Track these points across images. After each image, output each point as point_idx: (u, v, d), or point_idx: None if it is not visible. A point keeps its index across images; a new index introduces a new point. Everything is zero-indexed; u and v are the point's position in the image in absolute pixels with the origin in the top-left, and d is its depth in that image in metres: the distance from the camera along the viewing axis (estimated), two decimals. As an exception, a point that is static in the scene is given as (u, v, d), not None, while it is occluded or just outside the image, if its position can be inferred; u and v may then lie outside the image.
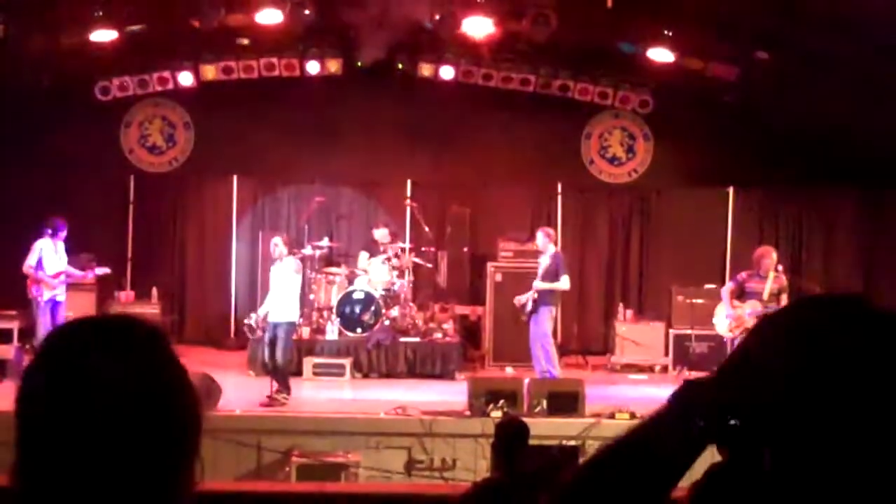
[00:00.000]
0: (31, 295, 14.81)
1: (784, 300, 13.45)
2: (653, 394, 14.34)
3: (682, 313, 16.79)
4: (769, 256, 13.78)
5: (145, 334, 1.80)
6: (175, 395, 1.77)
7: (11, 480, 1.72)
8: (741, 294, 13.70)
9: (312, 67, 17.51)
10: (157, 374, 1.76)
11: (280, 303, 13.63)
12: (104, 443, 1.68)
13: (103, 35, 15.79)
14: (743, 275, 13.83)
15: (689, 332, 16.41)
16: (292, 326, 14.06)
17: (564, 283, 14.51)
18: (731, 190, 18.44)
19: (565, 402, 12.50)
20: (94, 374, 1.71)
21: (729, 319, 13.62)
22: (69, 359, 1.74)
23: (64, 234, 14.98)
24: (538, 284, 14.47)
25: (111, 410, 1.69)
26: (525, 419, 10.87)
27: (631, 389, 15.00)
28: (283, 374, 13.37)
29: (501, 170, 18.47)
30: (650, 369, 16.83)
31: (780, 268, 13.87)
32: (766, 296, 13.49)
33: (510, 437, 7.57)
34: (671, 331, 16.89)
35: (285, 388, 13.25)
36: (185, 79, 17.61)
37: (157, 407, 1.73)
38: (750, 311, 13.46)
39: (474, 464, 11.40)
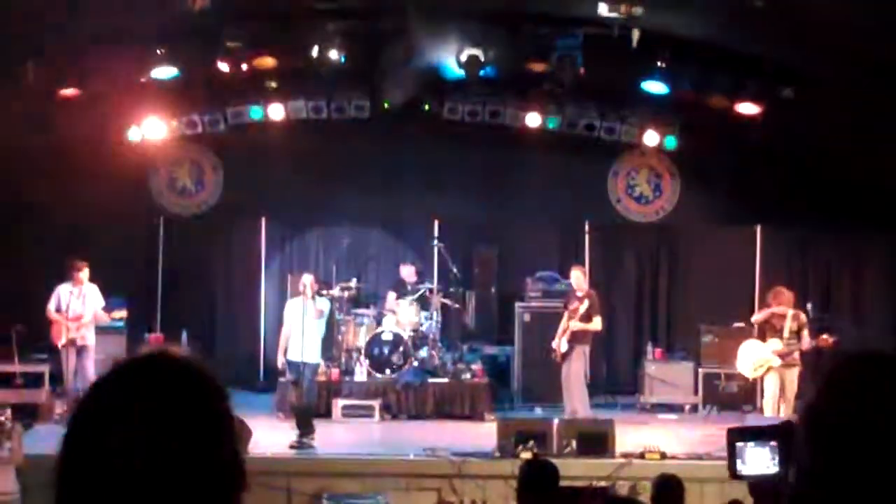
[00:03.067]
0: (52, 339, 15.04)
1: (805, 337, 13.45)
2: (682, 434, 14.33)
3: (710, 352, 16.74)
4: (784, 293, 13.83)
5: (195, 381, 1.80)
6: (221, 446, 1.77)
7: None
8: (762, 332, 13.75)
9: (339, 110, 17.60)
10: (205, 424, 1.76)
11: (306, 343, 13.62)
12: (147, 493, 1.69)
13: (134, 80, 15.99)
14: (762, 314, 13.88)
15: (717, 370, 16.36)
16: (317, 368, 14.13)
17: (597, 324, 14.55)
18: (758, 228, 18.38)
19: (595, 442, 12.49)
20: (138, 425, 1.71)
21: (751, 363, 13.66)
22: (113, 406, 1.74)
23: (81, 276, 15.09)
24: (573, 325, 14.51)
25: (155, 460, 1.70)
26: (555, 460, 10.91)
27: (661, 429, 14.95)
28: (308, 415, 13.36)
29: (528, 209, 18.51)
30: (680, 408, 16.76)
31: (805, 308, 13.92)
32: (786, 333, 13.50)
33: (535, 478, 7.54)
34: (700, 370, 16.83)
35: (310, 429, 13.21)
36: (215, 123, 17.73)
37: (202, 458, 1.73)
38: (772, 350, 13.49)
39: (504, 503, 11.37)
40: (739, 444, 6.39)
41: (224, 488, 1.76)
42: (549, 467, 7.72)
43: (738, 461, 6.40)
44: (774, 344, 13.55)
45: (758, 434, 6.72)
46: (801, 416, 1.71)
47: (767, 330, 13.78)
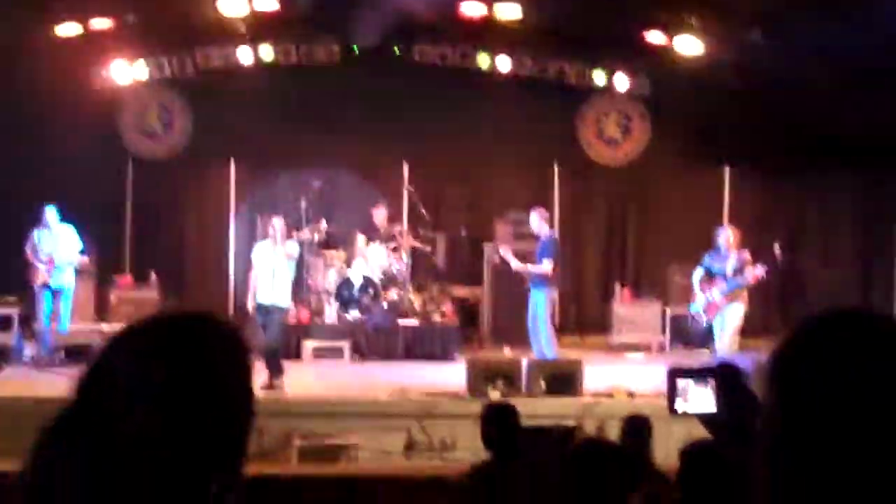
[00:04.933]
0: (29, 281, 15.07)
1: (748, 273, 13.56)
2: (650, 373, 14.45)
3: (679, 292, 16.86)
4: (724, 234, 13.95)
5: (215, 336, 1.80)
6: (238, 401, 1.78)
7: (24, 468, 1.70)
8: (710, 276, 13.85)
9: (308, 53, 17.55)
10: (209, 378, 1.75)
11: (275, 287, 13.58)
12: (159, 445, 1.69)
13: (100, 23, 15.89)
14: (706, 258, 13.95)
15: (684, 310, 16.49)
16: (286, 312, 14.14)
17: (544, 266, 14.28)
18: (726, 169, 18.47)
19: (564, 382, 12.57)
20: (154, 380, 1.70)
21: (703, 305, 13.80)
22: (130, 358, 1.74)
23: (49, 218, 15.08)
24: (516, 265, 14.45)
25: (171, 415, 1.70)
26: (523, 399, 11.02)
27: (629, 368, 15.10)
28: (277, 358, 13.31)
29: (498, 152, 18.51)
30: (647, 348, 16.91)
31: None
32: (729, 272, 13.65)
33: (499, 420, 7.62)
34: (668, 310, 16.98)
35: (280, 371, 13.17)
36: (184, 66, 17.65)
37: (218, 417, 1.73)
38: (720, 291, 13.63)
39: (474, 444, 11.44)
40: (680, 383, 6.50)
41: (240, 432, 1.77)
42: (509, 409, 7.80)
43: (679, 399, 6.52)
44: (720, 286, 13.69)
45: (697, 374, 6.83)
46: (769, 361, 1.75)
47: (713, 273, 13.89)
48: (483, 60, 17.82)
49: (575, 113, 18.94)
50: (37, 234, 15.16)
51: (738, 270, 13.67)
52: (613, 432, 9.43)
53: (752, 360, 12.34)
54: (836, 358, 1.64)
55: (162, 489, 1.67)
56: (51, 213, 15.17)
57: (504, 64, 17.64)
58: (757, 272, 13.57)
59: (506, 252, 14.76)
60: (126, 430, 1.66)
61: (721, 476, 5.32)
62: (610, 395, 12.29)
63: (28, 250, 15.08)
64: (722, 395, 6.85)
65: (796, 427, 1.64)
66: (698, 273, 13.98)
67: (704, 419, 6.30)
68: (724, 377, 7.38)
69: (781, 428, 1.66)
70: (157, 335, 1.76)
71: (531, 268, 14.33)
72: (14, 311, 15.66)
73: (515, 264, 14.50)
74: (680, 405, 6.79)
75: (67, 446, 1.68)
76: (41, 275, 14.97)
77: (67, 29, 16.24)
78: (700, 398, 6.72)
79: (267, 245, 13.89)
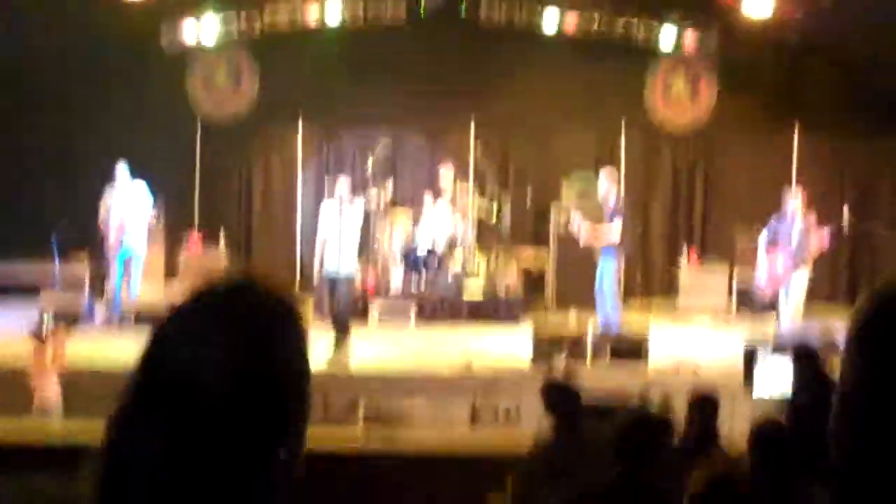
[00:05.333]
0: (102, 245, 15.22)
1: (814, 238, 13.39)
2: (717, 340, 14.40)
3: (746, 256, 16.70)
4: (791, 197, 13.76)
5: (276, 310, 1.82)
6: (294, 373, 1.80)
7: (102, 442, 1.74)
8: (776, 241, 13.68)
9: (375, 13, 17.53)
10: (284, 351, 1.79)
11: (343, 251, 13.50)
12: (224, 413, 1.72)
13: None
14: (772, 222, 13.77)
15: (751, 276, 16.36)
16: (353, 279, 14.07)
17: (614, 230, 14.10)
18: (796, 130, 18.21)
19: (629, 351, 12.55)
20: (221, 350, 1.72)
21: (767, 272, 13.66)
22: (195, 330, 1.76)
23: (121, 176, 15.17)
24: (585, 228, 14.28)
25: (234, 380, 1.72)
26: (588, 368, 11.02)
27: (695, 336, 15.03)
28: (344, 325, 13.27)
29: (564, 112, 18.40)
30: (714, 312, 16.80)
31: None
32: (795, 236, 13.48)
33: (559, 401, 7.61)
34: (735, 273, 16.86)
35: (346, 339, 13.09)
36: (252, 25, 17.69)
37: (278, 383, 1.76)
38: (785, 257, 13.47)
39: (539, 412, 11.47)
40: (757, 367, 6.48)
41: (297, 411, 1.80)
42: (569, 390, 7.79)
43: (756, 382, 6.49)
44: (785, 249, 13.54)
45: (774, 355, 6.78)
46: (852, 330, 1.73)
47: (777, 238, 13.74)
48: (550, 19, 17.67)
49: (642, 73, 18.74)
50: (109, 194, 15.23)
51: (805, 235, 13.52)
52: (679, 407, 9.40)
53: (819, 330, 12.30)
54: None
55: (232, 458, 1.71)
56: (122, 169, 15.26)
57: (571, 23, 17.49)
58: (823, 237, 13.41)
59: (578, 220, 14.50)
60: (194, 404, 1.70)
61: (791, 456, 5.30)
62: (675, 372, 12.22)
63: (101, 212, 15.15)
64: (799, 379, 6.80)
65: (883, 397, 1.63)
66: (763, 237, 13.85)
67: (780, 401, 6.25)
68: (801, 360, 7.31)
69: (866, 398, 1.66)
70: (214, 310, 1.79)
71: (604, 233, 14.05)
72: (85, 271, 15.86)
73: (585, 236, 14.32)
74: (757, 389, 6.75)
75: (141, 420, 1.72)
76: (114, 238, 15.08)
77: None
78: (777, 381, 6.67)
79: (333, 204, 13.78)
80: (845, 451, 1.68)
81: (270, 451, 1.75)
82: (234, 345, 1.73)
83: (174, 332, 1.77)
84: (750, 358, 5.88)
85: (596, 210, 14.45)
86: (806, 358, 7.56)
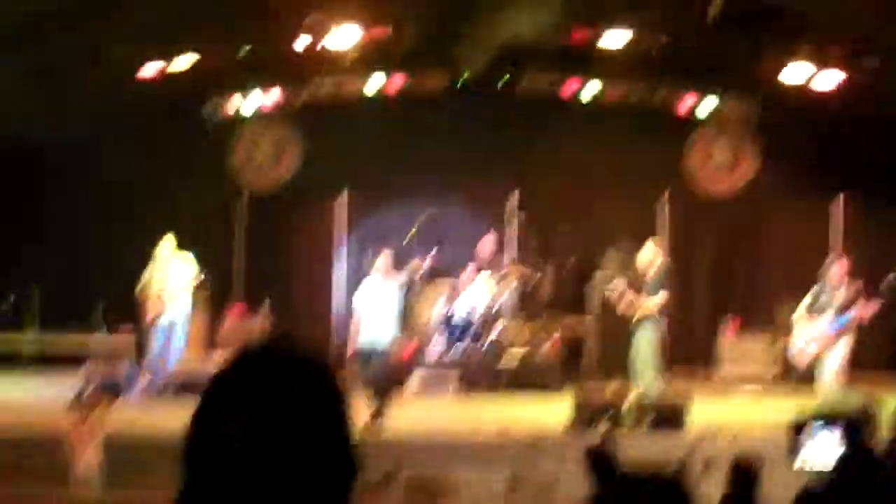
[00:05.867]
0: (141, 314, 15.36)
1: (857, 308, 13.29)
2: (759, 409, 14.25)
3: (789, 326, 16.56)
4: (835, 266, 13.65)
5: (317, 374, 1.84)
6: (341, 439, 1.81)
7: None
8: (818, 309, 13.56)
9: (417, 83, 17.68)
10: (326, 416, 1.80)
11: (383, 324, 13.56)
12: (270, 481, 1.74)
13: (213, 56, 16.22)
14: (815, 289, 13.67)
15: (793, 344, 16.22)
16: (391, 347, 14.10)
17: (657, 299, 14.19)
18: (839, 200, 18.12)
19: (669, 419, 12.47)
20: (264, 414, 1.75)
21: (806, 340, 13.54)
22: (238, 393, 1.79)
23: (166, 250, 15.32)
24: (627, 301, 14.34)
25: (279, 447, 1.74)
26: (627, 437, 10.93)
27: (736, 405, 14.90)
28: (384, 393, 13.24)
29: (607, 181, 18.46)
30: (758, 381, 16.66)
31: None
32: (838, 306, 13.37)
33: (597, 464, 7.57)
34: (779, 342, 16.70)
35: (386, 407, 13.06)
36: (295, 98, 17.88)
37: (324, 448, 1.78)
38: (828, 326, 13.35)
39: (578, 482, 11.39)
40: (801, 438, 6.43)
41: (342, 478, 1.81)
42: (608, 455, 7.74)
43: (799, 453, 6.44)
44: (827, 318, 13.42)
45: (820, 428, 6.71)
46: None
47: (820, 304, 13.62)
48: (592, 88, 17.75)
49: (684, 142, 18.78)
50: (151, 267, 15.39)
51: (848, 305, 13.41)
52: (720, 473, 9.31)
53: (863, 400, 12.16)
54: None
55: None
56: (167, 241, 15.42)
57: (613, 92, 17.58)
58: (868, 309, 13.29)
59: (621, 289, 14.51)
60: (242, 472, 1.72)
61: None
62: (715, 437, 12.11)
63: (142, 283, 15.32)
64: (845, 453, 6.72)
65: None
66: (804, 305, 13.75)
67: (824, 473, 6.19)
68: (848, 432, 7.25)
69: None
70: (256, 377, 1.80)
71: (645, 301, 14.11)
72: (129, 342, 16.01)
73: (624, 305, 14.34)
74: (801, 460, 6.69)
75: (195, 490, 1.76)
76: (154, 308, 15.21)
77: (182, 62, 16.54)
78: (822, 454, 6.61)
79: (375, 280, 13.87)
80: None
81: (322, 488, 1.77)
82: (277, 411, 1.76)
83: (218, 401, 1.80)
84: (796, 428, 5.84)
85: (637, 280, 14.48)
86: (852, 430, 7.51)
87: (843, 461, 6.19)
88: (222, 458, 1.74)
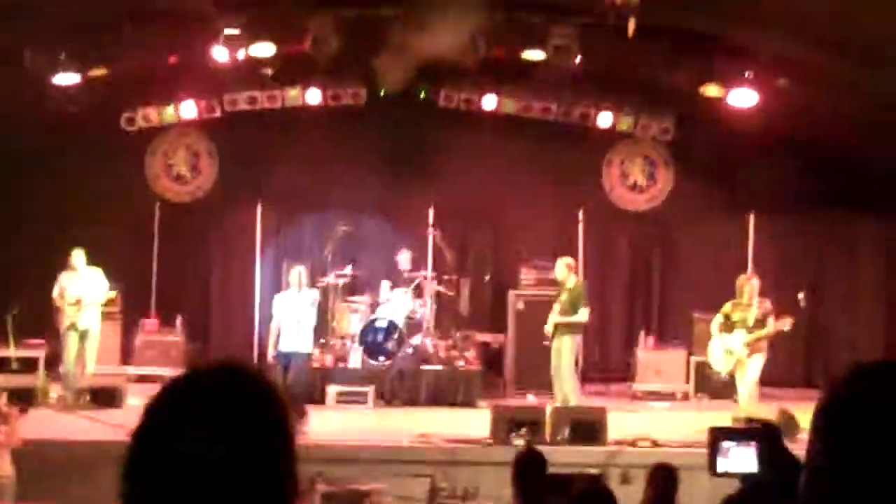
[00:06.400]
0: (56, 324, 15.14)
1: (770, 324, 13.51)
2: (674, 422, 14.40)
3: (703, 340, 16.76)
4: (749, 283, 13.88)
5: (265, 393, 1.85)
6: (286, 458, 1.83)
7: None
8: (729, 326, 13.76)
9: (335, 97, 17.64)
10: (274, 435, 1.82)
11: (298, 334, 13.73)
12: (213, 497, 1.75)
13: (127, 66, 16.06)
14: (727, 305, 13.87)
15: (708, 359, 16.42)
16: (309, 357, 14.22)
17: (582, 315, 14.60)
18: (751, 216, 18.37)
19: (588, 430, 12.54)
20: (211, 430, 1.77)
21: (722, 355, 13.74)
22: (187, 410, 1.80)
23: (74, 262, 15.15)
24: (555, 318, 14.60)
25: (225, 465, 1.75)
26: (547, 447, 10.97)
27: (653, 417, 15.05)
28: (299, 402, 13.25)
29: (523, 197, 18.56)
30: (672, 396, 16.84)
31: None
32: (751, 322, 13.58)
33: (527, 467, 7.63)
34: (692, 358, 16.89)
35: (303, 415, 13.05)
36: (210, 109, 17.74)
37: (269, 467, 1.79)
38: (739, 341, 13.55)
39: (498, 492, 11.42)
40: (722, 444, 6.52)
41: (285, 497, 1.82)
42: (538, 457, 7.80)
43: (720, 459, 6.54)
44: (740, 335, 13.61)
45: (739, 435, 6.83)
46: (816, 417, 1.79)
47: (732, 321, 13.82)
48: (508, 104, 17.83)
49: (600, 158, 18.97)
50: (64, 277, 15.21)
51: (761, 321, 13.62)
52: (638, 482, 9.39)
53: (777, 412, 12.35)
54: (887, 408, 1.69)
55: None
56: (78, 256, 15.24)
57: (529, 108, 17.68)
58: (784, 326, 13.50)
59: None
60: (192, 484, 1.73)
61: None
62: (634, 444, 12.23)
63: (55, 292, 15.13)
64: (765, 456, 6.82)
65: (849, 477, 1.67)
66: (717, 321, 13.93)
67: (745, 479, 6.29)
68: (768, 438, 7.35)
69: (832, 479, 1.70)
70: (208, 393, 1.81)
71: (570, 318, 14.45)
72: (40, 353, 15.77)
73: (553, 321, 14.59)
74: (721, 465, 6.79)
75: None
76: (68, 316, 15.02)
77: (97, 71, 16.35)
78: (741, 458, 6.71)
79: (289, 294, 14.06)
80: None
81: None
82: (230, 425, 1.77)
83: (169, 414, 1.80)
84: (715, 435, 5.91)
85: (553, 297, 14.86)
86: (769, 436, 7.62)
87: (765, 465, 6.28)
88: (166, 474, 1.74)
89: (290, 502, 1.82)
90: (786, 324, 13.51)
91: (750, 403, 13.48)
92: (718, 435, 7.06)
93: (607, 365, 18.40)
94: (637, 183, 19.07)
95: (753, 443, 7.29)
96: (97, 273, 15.35)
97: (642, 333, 17.74)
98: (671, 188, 18.95)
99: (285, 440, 1.83)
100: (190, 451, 1.74)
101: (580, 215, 18.55)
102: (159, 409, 1.81)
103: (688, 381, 16.92)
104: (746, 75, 15.78)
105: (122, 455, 1.79)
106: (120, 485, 1.77)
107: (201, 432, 1.75)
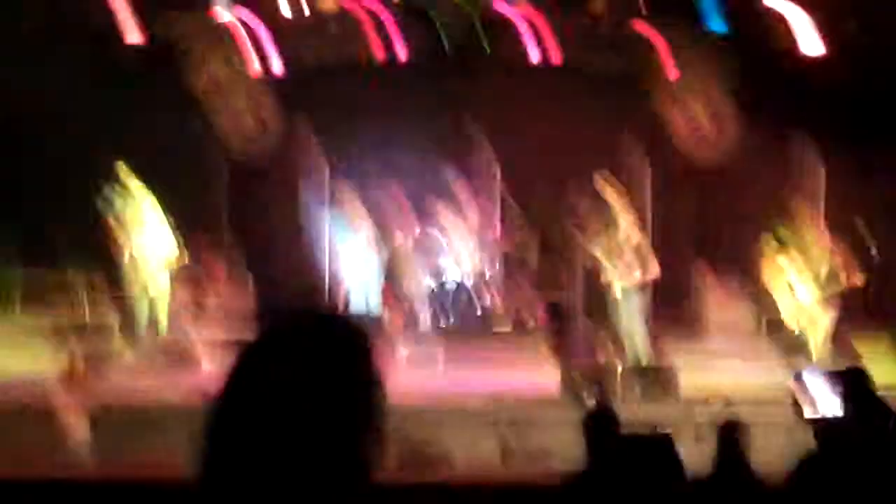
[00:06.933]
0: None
1: (842, 279, 13.33)
2: (746, 377, 14.28)
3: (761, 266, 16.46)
4: (818, 235, 13.72)
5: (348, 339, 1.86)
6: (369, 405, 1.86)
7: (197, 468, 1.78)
8: (801, 279, 13.61)
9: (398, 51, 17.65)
10: (356, 382, 1.84)
11: (367, 294, 13.67)
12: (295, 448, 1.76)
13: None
14: (799, 260, 13.69)
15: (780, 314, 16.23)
16: (378, 319, 14.23)
17: (652, 270, 14.41)
18: (822, 168, 18.02)
19: (660, 387, 12.50)
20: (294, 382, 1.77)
21: (794, 311, 13.63)
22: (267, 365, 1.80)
23: (148, 220, 15.28)
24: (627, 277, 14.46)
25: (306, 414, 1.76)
26: (618, 405, 10.94)
27: (724, 374, 14.93)
28: None
29: (589, 150, 18.30)
30: (743, 351, 16.65)
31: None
32: (823, 276, 13.44)
33: (598, 426, 7.59)
34: (764, 313, 16.67)
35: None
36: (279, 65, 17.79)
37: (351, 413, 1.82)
38: (810, 297, 13.40)
39: (569, 452, 11.40)
40: (807, 389, 6.45)
41: (369, 446, 1.85)
42: (609, 416, 7.76)
43: (805, 405, 6.47)
44: (810, 290, 13.46)
45: (825, 378, 6.74)
46: None
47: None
48: (572, 56, 17.72)
49: (664, 108, 18.69)
50: (135, 236, 15.30)
51: (833, 274, 13.46)
52: (712, 440, 9.34)
53: (851, 358, 12.21)
54: None
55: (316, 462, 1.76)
56: (150, 211, 15.32)
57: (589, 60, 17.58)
58: (856, 280, 13.35)
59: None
60: (286, 422, 1.75)
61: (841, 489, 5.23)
62: (706, 401, 12.15)
63: (126, 256, 15.23)
64: (850, 402, 6.72)
65: None
66: (787, 274, 13.79)
67: (829, 426, 6.22)
68: (853, 383, 7.27)
69: None
70: (306, 344, 1.82)
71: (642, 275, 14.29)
72: (115, 317, 15.94)
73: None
74: (808, 411, 6.72)
75: (221, 449, 1.77)
76: (138, 280, 15.14)
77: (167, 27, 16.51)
78: (827, 404, 6.63)
79: (358, 252, 13.98)
80: None
81: (354, 452, 1.81)
82: (326, 366, 1.79)
83: (265, 356, 1.81)
84: (801, 382, 5.86)
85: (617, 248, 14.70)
86: (859, 380, 7.53)
87: (854, 409, 6.18)
88: (254, 421, 1.75)
89: (369, 455, 1.85)
90: (858, 279, 13.36)
91: (823, 358, 13.36)
92: (804, 381, 7.00)
93: (678, 319, 18.25)
94: (703, 133, 18.77)
95: (839, 388, 7.19)
96: (167, 231, 15.42)
97: (711, 288, 17.51)
98: (737, 137, 18.62)
99: (370, 388, 1.86)
100: (265, 397, 1.75)
101: (647, 167, 18.30)
102: (247, 358, 1.82)
103: (759, 336, 16.72)
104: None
105: (200, 415, 1.81)
106: (201, 444, 1.78)
107: (284, 372, 1.77)
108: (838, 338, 13.82)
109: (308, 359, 1.79)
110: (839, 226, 15.25)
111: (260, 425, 1.74)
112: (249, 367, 1.81)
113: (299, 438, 1.74)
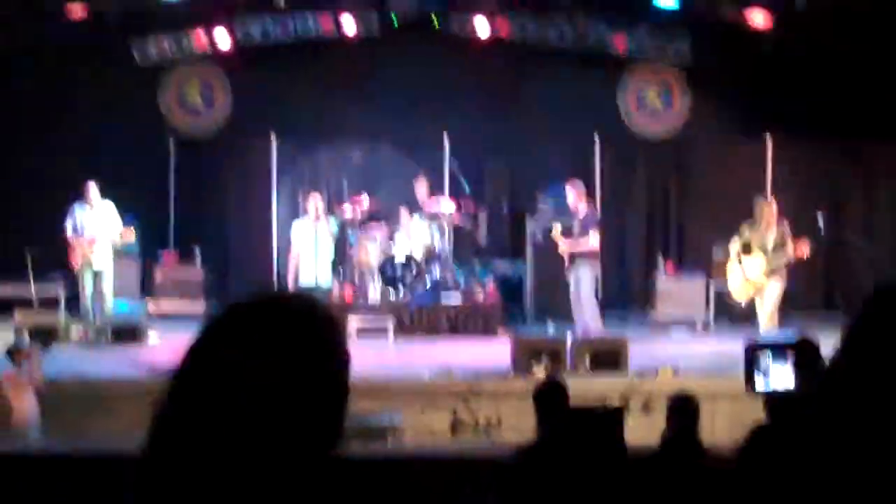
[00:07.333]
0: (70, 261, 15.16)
1: (789, 249, 13.48)
2: (695, 350, 14.39)
3: (722, 267, 16.67)
4: (767, 207, 13.85)
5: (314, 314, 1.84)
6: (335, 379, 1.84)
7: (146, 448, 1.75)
8: (747, 249, 13.75)
9: (348, 25, 17.56)
10: (322, 355, 1.81)
11: (317, 265, 13.67)
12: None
13: None
14: (745, 231, 13.84)
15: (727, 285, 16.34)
16: (328, 291, 14.19)
17: (591, 242, 14.49)
18: (769, 140, 18.19)
19: (609, 359, 12.55)
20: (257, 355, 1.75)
21: (741, 284, 13.75)
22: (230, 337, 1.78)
23: (90, 194, 15.13)
24: (564, 245, 14.56)
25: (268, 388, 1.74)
26: (568, 377, 10.97)
27: (673, 345, 15.04)
28: None
29: (539, 126, 18.35)
30: (691, 323, 16.79)
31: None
32: (770, 247, 13.57)
33: (548, 398, 7.61)
34: (711, 285, 16.81)
35: None
36: (222, 40, 17.69)
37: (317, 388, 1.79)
38: (758, 268, 13.53)
39: (520, 423, 11.44)
40: (759, 360, 6.44)
41: (334, 425, 1.83)
42: (560, 388, 7.77)
43: (757, 377, 6.46)
44: (758, 262, 13.59)
45: (776, 349, 6.73)
46: (843, 339, 1.80)
47: (753, 245, 13.80)
48: (521, 31, 17.69)
49: (615, 83, 18.79)
50: (78, 212, 15.21)
51: (780, 245, 13.58)
52: (660, 411, 9.38)
53: (796, 334, 12.31)
54: None
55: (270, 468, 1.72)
56: (93, 188, 15.21)
57: (544, 35, 17.54)
58: (803, 250, 13.47)
59: (556, 233, 14.76)
60: (246, 400, 1.72)
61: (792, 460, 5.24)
62: (655, 373, 12.23)
63: (69, 229, 15.13)
64: (802, 372, 6.74)
65: (872, 394, 1.78)
66: (735, 246, 13.90)
67: (779, 398, 6.22)
68: (804, 353, 7.30)
69: (855, 396, 1.75)
70: (267, 322, 1.80)
71: (580, 244, 14.40)
72: (61, 291, 15.81)
73: (563, 245, 14.56)
74: (758, 383, 6.72)
75: (179, 429, 1.74)
76: (82, 255, 15.04)
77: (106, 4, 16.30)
78: (778, 375, 6.63)
79: (306, 223, 13.95)
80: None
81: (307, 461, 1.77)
82: (272, 342, 1.76)
83: (212, 340, 1.79)
84: (751, 352, 5.83)
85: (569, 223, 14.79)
86: (810, 350, 7.56)
87: (804, 380, 6.21)
88: (213, 391, 1.72)
89: (337, 431, 1.83)
90: (805, 249, 13.47)
91: (771, 330, 13.48)
92: (754, 351, 7.00)
93: (627, 293, 18.37)
94: (654, 109, 18.89)
95: (789, 358, 7.21)
96: (111, 207, 15.33)
97: (661, 261, 17.64)
98: (688, 113, 18.76)
99: (332, 362, 1.83)
100: (228, 371, 1.73)
101: (596, 142, 18.40)
102: (208, 332, 1.80)
103: (707, 308, 16.86)
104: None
105: (149, 390, 1.77)
106: (152, 420, 1.75)
107: (240, 350, 1.74)
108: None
109: (271, 335, 1.77)
110: (787, 200, 15.43)
111: (219, 404, 1.72)
112: (209, 344, 1.78)
113: (263, 416, 1.72)
